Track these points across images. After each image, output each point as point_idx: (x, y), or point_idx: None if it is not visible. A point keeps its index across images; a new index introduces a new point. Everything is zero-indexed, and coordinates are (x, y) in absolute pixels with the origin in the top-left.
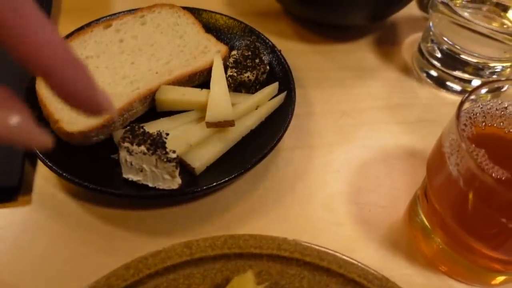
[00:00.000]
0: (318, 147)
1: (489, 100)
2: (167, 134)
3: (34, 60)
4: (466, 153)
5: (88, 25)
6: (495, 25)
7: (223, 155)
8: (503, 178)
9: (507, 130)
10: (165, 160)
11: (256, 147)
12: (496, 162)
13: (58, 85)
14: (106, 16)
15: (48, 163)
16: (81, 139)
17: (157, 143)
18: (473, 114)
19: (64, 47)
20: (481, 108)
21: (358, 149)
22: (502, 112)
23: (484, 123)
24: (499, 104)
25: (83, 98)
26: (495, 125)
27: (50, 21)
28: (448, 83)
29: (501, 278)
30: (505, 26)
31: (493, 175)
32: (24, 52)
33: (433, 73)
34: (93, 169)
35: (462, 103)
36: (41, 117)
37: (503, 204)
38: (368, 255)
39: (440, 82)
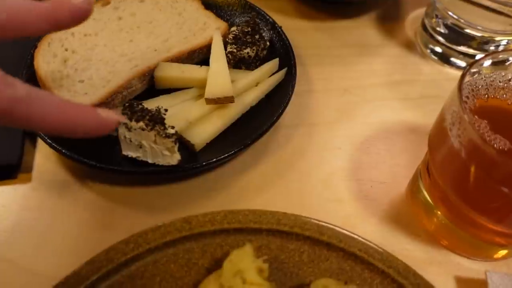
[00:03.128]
0: (318, 125)
1: (493, 73)
2: (166, 110)
3: None
4: (468, 124)
5: None
6: None
7: (223, 132)
8: (506, 148)
9: (510, 102)
10: (164, 135)
11: (256, 124)
12: (498, 133)
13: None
14: None
15: (48, 140)
16: None
17: (155, 119)
18: (476, 87)
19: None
20: (484, 80)
21: (359, 126)
22: (505, 84)
23: (487, 95)
24: (503, 76)
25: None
26: (498, 97)
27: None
28: (452, 58)
29: (503, 252)
30: None
31: (495, 145)
32: None
33: (438, 49)
34: (92, 147)
35: (464, 75)
36: None
37: (505, 175)
38: (369, 230)
39: (444, 58)
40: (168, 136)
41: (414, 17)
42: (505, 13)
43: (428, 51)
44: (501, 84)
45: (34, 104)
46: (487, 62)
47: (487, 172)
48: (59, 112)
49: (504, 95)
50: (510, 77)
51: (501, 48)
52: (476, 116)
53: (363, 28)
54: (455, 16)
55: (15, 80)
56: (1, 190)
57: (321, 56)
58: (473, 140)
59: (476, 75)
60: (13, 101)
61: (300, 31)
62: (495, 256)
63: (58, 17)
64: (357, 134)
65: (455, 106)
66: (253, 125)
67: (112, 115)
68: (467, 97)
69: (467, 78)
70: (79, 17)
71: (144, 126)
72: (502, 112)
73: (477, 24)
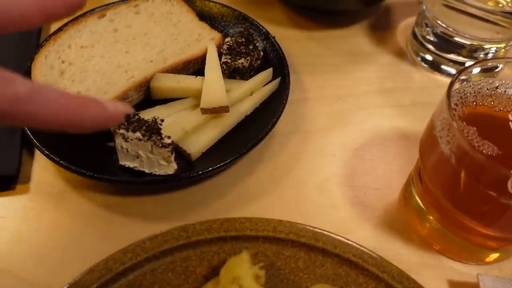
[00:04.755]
0: (313, 132)
1: (480, 80)
2: (162, 120)
3: None
4: (457, 131)
5: (83, 15)
6: (490, 4)
7: (218, 141)
8: (494, 154)
9: (497, 109)
10: (160, 145)
11: (251, 132)
12: (487, 139)
13: None
14: (101, 6)
15: (46, 151)
16: None
17: (152, 129)
18: (464, 94)
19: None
20: (473, 88)
21: (353, 133)
22: (493, 92)
23: (475, 103)
24: (490, 83)
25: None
26: (486, 104)
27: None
28: (442, 66)
29: (495, 255)
30: (500, 5)
31: (484, 151)
32: None
33: (428, 56)
34: (90, 157)
35: (452, 82)
36: None
37: (494, 180)
38: (363, 236)
39: (434, 66)
40: (164, 146)
41: (404, 26)
42: (492, 21)
43: (419, 59)
44: (489, 91)
45: (36, 101)
46: (476, 70)
47: (476, 178)
48: (63, 107)
49: (492, 102)
50: (497, 85)
51: (490, 55)
52: (464, 123)
53: (355, 37)
54: (444, 25)
55: (15, 75)
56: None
57: (314, 64)
58: (462, 147)
59: (465, 83)
60: (15, 101)
61: (293, 41)
62: (487, 259)
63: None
64: (351, 141)
65: (444, 113)
66: (248, 134)
67: (119, 106)
68: (456, 104)
69: (456, 86)
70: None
71: (141, 137)
72: (490, 119)
73: (465, 32)
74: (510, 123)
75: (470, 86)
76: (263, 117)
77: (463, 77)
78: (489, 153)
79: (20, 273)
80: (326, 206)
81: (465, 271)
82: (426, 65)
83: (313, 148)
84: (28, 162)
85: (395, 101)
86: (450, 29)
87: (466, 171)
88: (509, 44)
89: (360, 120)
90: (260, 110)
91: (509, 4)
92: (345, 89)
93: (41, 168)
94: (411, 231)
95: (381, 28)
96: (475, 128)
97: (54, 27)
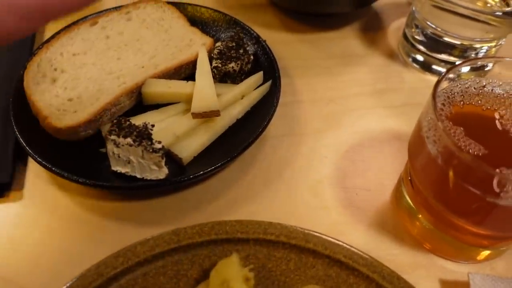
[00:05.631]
0: (305, 135)
1: (467, 79)
2: (153, 126)
3: None
4: (442, 131)
5: (75, 23)
6: (479, 4)
7: (210, 145)
8: (480, 153)
9: (484, 108)
10: (151, 150)
11: (242, 136)
12: (474, 138)
13: None
14: (93, 14)
15: (38, 158)
16: (70, 134)
17: (142, 135)
18: (452, 94)
19: None
20: (460, 87)
21: (345, 135)
22: (480, 91)
23: (462, 102)
24: (477, 82)
25: None
26: (473, 103)
27: None
28: (433, 66)
29: (486, 253)
30: (488, 5)
31: (470, 151)
32: None
33: (419, 57)
34: (82, 163)
35: (438, 82)
36: (29, 114)
37: (479, 179)
38: (355, 237)
39: (425, 66)
40: (155, 151)
41: (395, 27)
42: (482, 20)
43: (410, 60)
44: (476, 90)
45: None
46: (465, 69)
47: (463, 177)
48: None
49: (479, 101)
50: (484, 84)
51: (481, 54)
52: (451, 123)
53: (347, 39)
54: (433, 26)
55: None
56: None
57: (306, 67)
58: (448, 147)
59: (452, 82)
60: None
61: (285, 44)
62: (478, 257)
63: None
64: (343, 143)
65: (431, 113)
66: (240, 138)
67: None
68: (443, 104)
69: (443, 86)
70: None
71: (132, 142)
72: (477, 118)
73: (455, 32)
74: (497, 121)
75: (457, 85)
76: (255, 120)
77: (450, 77)
78: (475, 152)
79: (15, 279)
80: (318, 208)
81: (456, 270)
82: (417, 66)
83: (305, 151)
84: (21, 169)
85: (387, 102)
86: (439, 29)
87: (453, 171)
88: (499, 43)
89: (352, 121)
90: (251, 113)
91: (498, 4)
92: (337, 91)
93: (34, 175)
94: (403, 231)
95: (372, 30)
96: (462, 128)
97: (48, 34)
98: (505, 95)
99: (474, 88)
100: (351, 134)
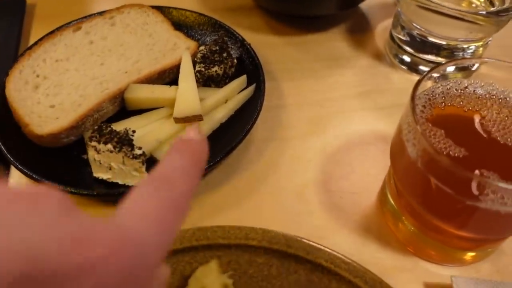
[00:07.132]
0: (290, 138)
1: (449, 81)
2: (134, 131)
3: None
4: (420, 134)
5: (58, 29)
6: (463, 5)
7: None
8: (460, 155)
9: (466, 109)
10: (131, 157)
11: (226, 140)
12: (455, 140)
13: None
14: (76, 20)
15: (19, 166)
16: (51, 141)
17: (123, 141)
18: (433, 95)
19: None
20: (441, 89)
21: (331, 138)
22: (462, 92)
23: (443, 103)
24: (459, 84)
25: None
26: (454, 104)
27: None
28: (421, 67)
29: (471, 255)
30: (473, 5)
31: (450, 153)
32: None
33: (406, 58)
34: (65, 170)
35: (417, 85)
36: (12, 121)
37: (458, 182)
38: (340, 241)
39: (413, 67)
40: (135, 157)
41: (382, 28)
42: (469, 20)
43: (397, 61)
44: (457, 92)
45: None
46: (449, 69)
47: (442, 181)
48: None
49: (461, 102)
50: (466, 85)
51: (468, 55)
52: (431, 125)
53: (333, 41)
54: (418, 27)
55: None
56: None
57: (292, 70)
58: (426, 150)
59: (434, 84)
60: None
61: (271, 47)
62: (463, 260)
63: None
64: (329, 146)
65: (410, 116)
66: (224, 142)
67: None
68: (424, 106)
69: (426, 86)
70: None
71: (112, 148)
72: (458, 119)
73: (439, 32)
74: (478, 122)
75: (439, 86)
76: (238, 124)
77: (433, 78)
78: (456, 154)
79: None
80: (303, 212)
81: (441, 273)
82: (404, 67)
83: (290, 154)
84: (3, 176)
85: (374, 103)
86: (423, 29)
87: (432, 174)
88: (486, 42)
89: (338, 124)
90: (235, 117)
91: (483, 4)
92: (323, 93)
93: (16, 182)
94: (388, 234)
95: (359, 32)
96: (442, 130)
97: (32, 41)
98: (487, 96)
99: (456, 89)
100: (338, 137)
